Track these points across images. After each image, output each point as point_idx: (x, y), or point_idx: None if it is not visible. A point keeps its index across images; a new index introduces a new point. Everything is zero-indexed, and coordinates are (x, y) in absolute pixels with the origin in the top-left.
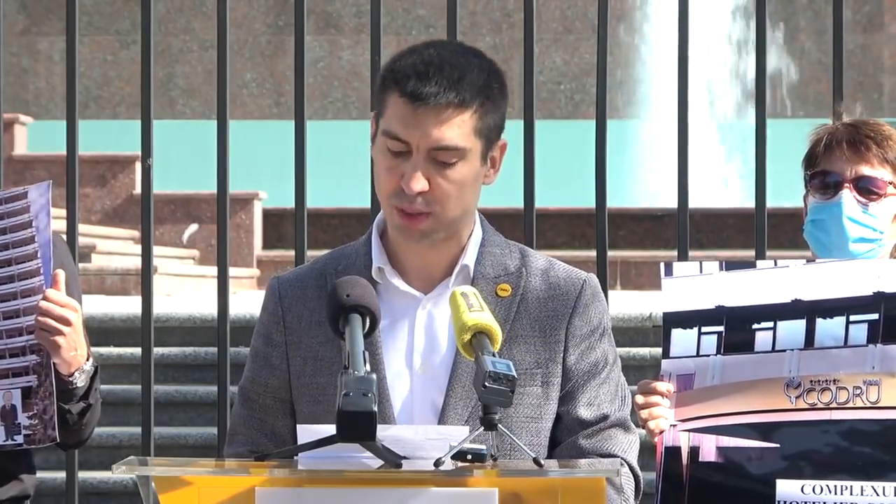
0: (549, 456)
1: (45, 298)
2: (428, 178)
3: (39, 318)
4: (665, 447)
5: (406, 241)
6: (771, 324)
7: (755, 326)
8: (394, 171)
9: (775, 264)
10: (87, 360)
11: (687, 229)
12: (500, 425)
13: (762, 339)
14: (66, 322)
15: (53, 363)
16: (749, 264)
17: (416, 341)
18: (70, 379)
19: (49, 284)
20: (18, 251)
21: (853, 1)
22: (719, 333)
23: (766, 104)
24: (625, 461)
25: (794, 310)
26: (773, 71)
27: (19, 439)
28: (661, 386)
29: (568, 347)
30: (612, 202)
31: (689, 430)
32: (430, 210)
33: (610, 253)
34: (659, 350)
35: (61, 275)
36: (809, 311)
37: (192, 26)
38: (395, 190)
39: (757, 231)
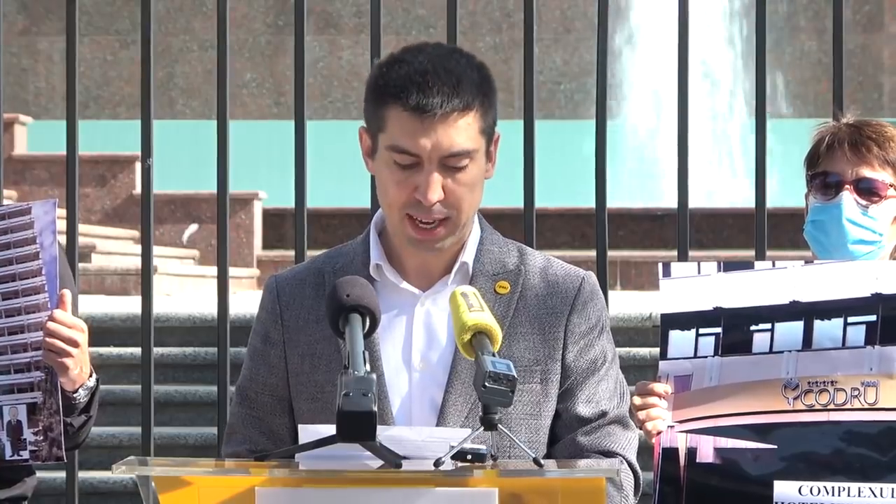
0: (548, 453)
1: (52, 319)
2: (442, 185)
3: (47, 339)
4: (662, 448)
5: (420, 252)
6: (769, 325)
7: (753, 328)
8: (405, 184)
9: (773, 265)
10: (91, 376)
11: (687, 229)
12: (500, 425)
13: (760, 340)
14: (75, 344)
15: (59, 381)
16: (747, 265)
17: (415, 339)
18: (74, 395)
19: (55, 303)
20: (22, 267)
21: (853, 1)
22: (717, 335)
23: (766, 104)
24: (624, 458)
25: (791, 311)
26: (774, 70)
27: (25, 455)
28: (659, 387)
29: (567, 345)
30: (612, 202)
31: (686, 432)
32: (448, 215)
33: (610, 253)
34: (658, 350)
35: (68, 295)
36: (807, 312)
37: (192, 26)
38: (407, 202)
39: (757, 231)
